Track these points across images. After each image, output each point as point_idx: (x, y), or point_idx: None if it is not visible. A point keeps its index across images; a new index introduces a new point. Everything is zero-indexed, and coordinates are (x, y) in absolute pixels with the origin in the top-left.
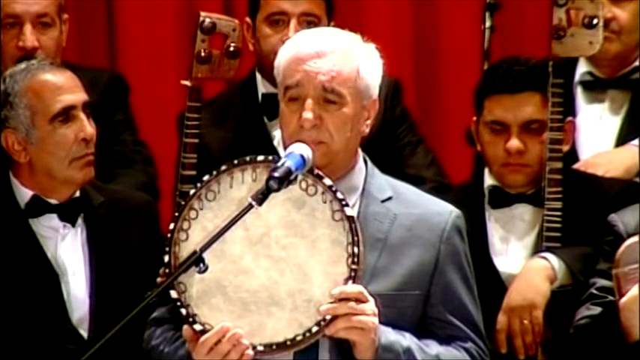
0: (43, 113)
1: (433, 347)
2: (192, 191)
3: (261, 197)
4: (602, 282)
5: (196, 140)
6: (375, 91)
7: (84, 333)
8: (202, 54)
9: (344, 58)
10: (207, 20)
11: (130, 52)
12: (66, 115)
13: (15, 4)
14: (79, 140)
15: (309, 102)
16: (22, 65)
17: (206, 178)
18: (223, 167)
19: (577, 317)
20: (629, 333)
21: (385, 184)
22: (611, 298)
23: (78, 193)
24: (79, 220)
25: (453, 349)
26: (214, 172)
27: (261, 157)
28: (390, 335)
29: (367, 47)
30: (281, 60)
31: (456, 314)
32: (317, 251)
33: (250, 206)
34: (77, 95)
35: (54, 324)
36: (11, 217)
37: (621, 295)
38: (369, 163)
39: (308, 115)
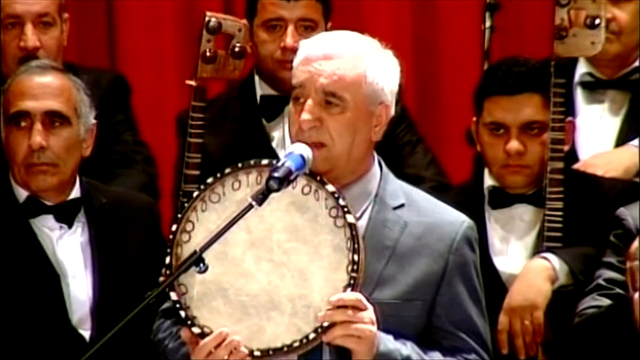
0: (3, 115)
1: (435, 357)
2: (195, 193)
3: (261, 197)
4: (609, 274)
5: (200, 140)
6: (386, 98)
7: (84, 333)
8: (208, 54)
9: (351, 63)
10: (213, 20)
11: (131, 52)
12: (19, 120)
13: (16, 4)
14: (31, 148)
15: (308, 103)
16: (25, 66)
17: (210, 180)
18: (227, 170)
19: (582, 307)
20: None
21: (399, 190)
22: (618, 290)
23: (78, 194)
24: (81, 221)
25: None
26: (218, 175)
27: (265, 161)
28: (389, 343)
29: (382, 53)
30: (297, 58)
31: (461, 325)
32: (318, 257)
33: (250, 206)
34: (41, 102)
35: (54, 324)
36: (12, 216)
37: (635, 289)
38: (384, 168)
39: (305, 116)
